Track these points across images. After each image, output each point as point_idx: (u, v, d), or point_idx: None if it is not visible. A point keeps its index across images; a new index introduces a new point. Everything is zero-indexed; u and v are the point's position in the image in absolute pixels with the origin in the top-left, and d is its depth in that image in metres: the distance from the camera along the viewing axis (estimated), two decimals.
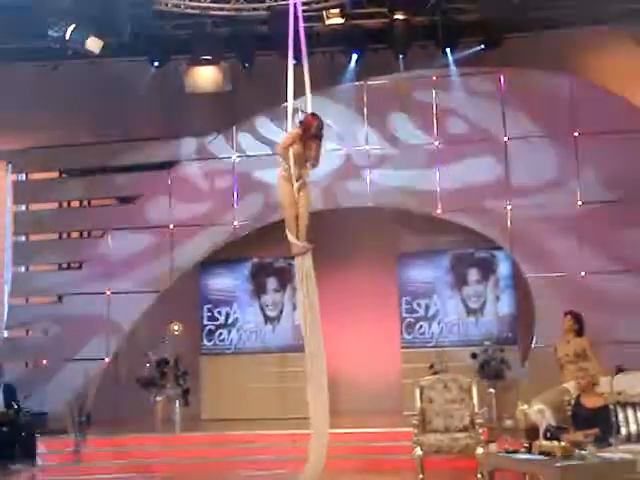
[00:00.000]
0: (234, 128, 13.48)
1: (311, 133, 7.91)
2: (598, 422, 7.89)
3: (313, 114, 8.01)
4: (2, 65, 13.30)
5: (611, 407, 8.08)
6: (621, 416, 8.13)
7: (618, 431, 7.92)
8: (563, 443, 7.09)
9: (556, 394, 8.59)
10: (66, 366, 13.03)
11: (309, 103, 8.06)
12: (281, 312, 13.52)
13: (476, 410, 9.26)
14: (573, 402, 8.23)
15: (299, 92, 8.15)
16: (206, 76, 12.94)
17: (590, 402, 8.15)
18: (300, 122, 8.07)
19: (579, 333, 9.57)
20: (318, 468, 7.73)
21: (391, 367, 13.02)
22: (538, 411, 8.39)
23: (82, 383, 12.69)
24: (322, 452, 7.75)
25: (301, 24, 8.17)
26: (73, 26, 11.60)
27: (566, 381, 8.85)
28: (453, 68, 12.99)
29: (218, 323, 13.72)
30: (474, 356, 12.05)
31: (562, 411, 8.27)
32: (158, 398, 12.25)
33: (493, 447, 7.95)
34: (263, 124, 13.29)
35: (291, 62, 8.01)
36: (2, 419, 11.29)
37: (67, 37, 11.64)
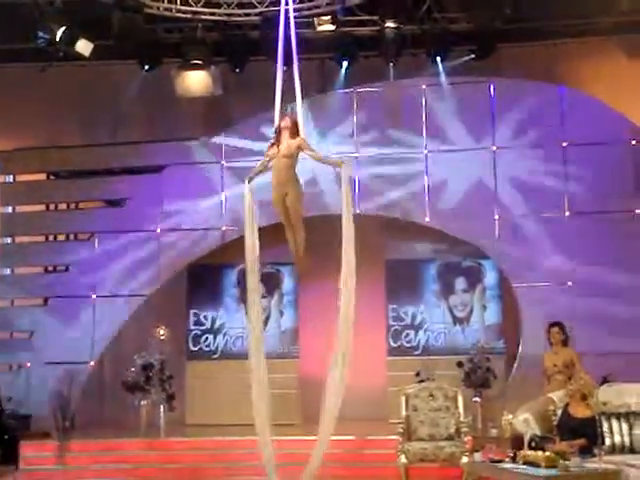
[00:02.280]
0: (224, 133, 13.45)
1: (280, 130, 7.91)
2: (585, 433, 7.91)
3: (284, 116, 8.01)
4: None
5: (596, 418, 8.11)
6: (606, 427, 8.15)
7: (603, 442, 7.94)
8: (548, 453, 7.10)
9: (541, 404, 8.62)
10: (50, 369, 12.93)
11: (299, 109, 8.06)
12: (267, 318, 13.47)
13: (461, 419, 9.26)
14: (560, 411, 8.24)
15: (289, 98, 8.15)
16: (197, 80, 12.92)
17: (578, 412, 8.16)
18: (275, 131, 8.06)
19: (565, 343, 9.60)
20: (313, 470, 7.77)
21: (377, 375, 12.99)
22: (523, 421, 8.41)
23: (66, 386, 12.61)
24: (320, 455, 7.78)
25: (292, 30, 8.17)
26: (63, 28, 11.56)
27: (553, 392, 8.85)
28: (443, 77, 13.02)
29: (204, 328, 13.67)
30: (460, 365, 12.06)
31: (547, 421, 8.29)
32: (143, 402, 12.20)
33: (478, 456, 7.95)
34: (253, 129, 13.27)
35: (280, 67, 8.02)
36: None
37: (57, 39, 11.61)
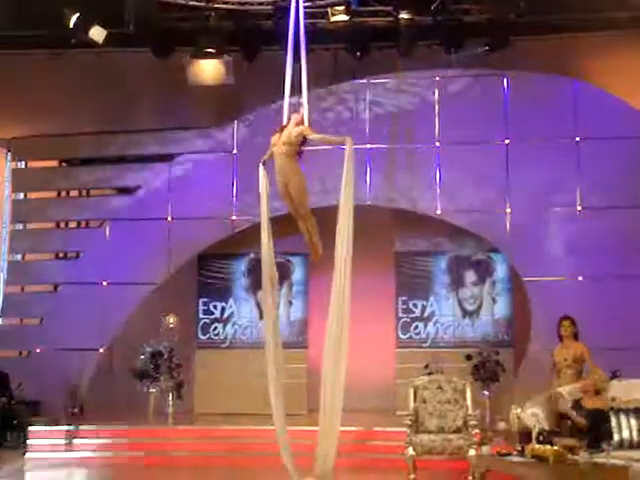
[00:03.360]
0: (236, 121, 13.44)
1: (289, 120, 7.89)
2: (594, 425, 7.89)
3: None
4: (4, 53, 13.27)
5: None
6: (614, 422, 8.13)
7: (611, 437, 7.92)
8: (556, 447, 7.09)
9: (550, 398, 8.60)
10: (60, 355, 12.99)
11: (305, 100, 8.01)
12: (276, 308, 13.44)
13: (470, 412, 9.24)
14: (571, 405, 8.22)
15: (299, 88, 8.12)
16: (209, 69, 12.89)
17: (590, 403, 8.14)
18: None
19: (576, 337, 9.57)
20: (329, 465, 7.67)
21: (386, 367, 13.01)
22: (532, 414, 8.39)
23: (76, 373, 12.68)
24: (333, 449, 7.69)
25: (302, 20, 8.12)
26: (77, 15, 11.56)
27: (562, 386, 8.83)
28: (457, 69, 12.97)
29: (213, 317, 13.70)
30: (469, 358, 12.07)
31: (555, 415, 8.28)
32: (151, 390, 12.25)
33: (486, 449, 7.94)
34: (265, 118, 13.24)
35: (290, 58, 7.98)
36: None
37: (71, 26, 11.61)
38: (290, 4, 8.26)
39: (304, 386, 12.73)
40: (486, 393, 11.80)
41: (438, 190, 12.84)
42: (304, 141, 7.81)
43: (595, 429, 7.91)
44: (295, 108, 8.04)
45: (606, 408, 8.12)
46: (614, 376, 9.49)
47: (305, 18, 8.16)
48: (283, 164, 7.77)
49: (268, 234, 8.10)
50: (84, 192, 14.29)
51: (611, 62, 13.03)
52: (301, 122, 7.83)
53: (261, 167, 8.11)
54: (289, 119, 7.90)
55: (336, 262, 7.73)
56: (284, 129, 7.81)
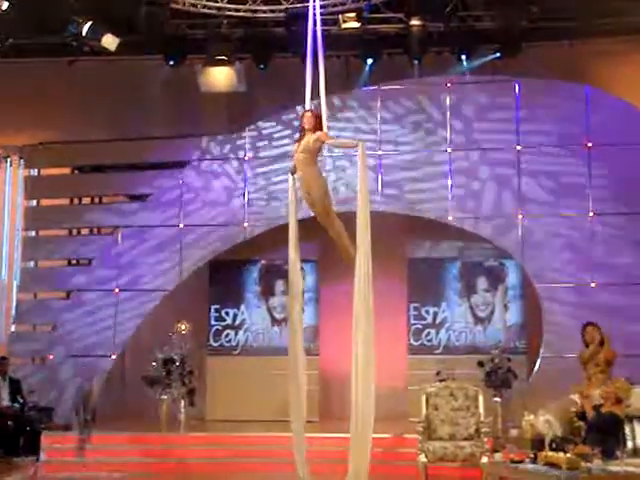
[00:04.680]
0: (247, 128, 13.47)
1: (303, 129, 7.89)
2: (610, 431, 7.85)
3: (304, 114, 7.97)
4: (17, 60, 13.36)
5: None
6: (628, 429, 8.09)
7: (625, 445, 7.89)
8: (569, 455, 7.05)
9: (563, 405, 8.57)
10: (72, 362, 13.03)
11: (324, 106, 8.04)
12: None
13: (482, 419, 9.22)
14: (594, 412, 8.19)
15: (314, 95, 8.13)
16: (221, 76, 12.97)
17: (608, 409, 8.11)
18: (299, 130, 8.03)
19: (601, 343, 9.53)
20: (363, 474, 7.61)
21: (397, 373, 12.98)
22: (545, 421, 8.35)
23: (88, 379, 12.70)
24: (366, 458, 7.60)
25: (319, 27, 8.15)
26: (90, 23, 11.63)
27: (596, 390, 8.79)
28: (468, 75, 12.97)
29: (225, 324, 13.71)
30: (481, 364, 12.01)
31: (569, 422, 8.24)
32: (163, 397, 12.25)
33: (498, 456, 7.92)
34: (276, 125, 13.28)
35: (310, 65, 7.99)
36: (7, 413, 11.30)
37: (83, 34, 11.67)
38: (303, 10, 8.30)
39: (316, 393, 12.69)
40: (498, 400, 11.73)
41: (450, 196, 12.83)
42: (322, 146, 7.84)
43: (609, 435, 7.86)
44: (303, 114, 8.04)
45: (622, 415, 8.08)
46: (630, 383, 9.44)
47: (317, 25, 8.19)
48: (304, 172, 7.81)
49: (295, 243, 8.10)
50: (96, 199, 14.33)
51: (622, 68, 13.02)
52: (318, 125, 7.82)
53: (290, 176, 8.13)
54: (303, 123, 7.88)
55: (357, 266, 7.69)
56: (302, 138, 7.83)
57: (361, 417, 7.50)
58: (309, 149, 7.76)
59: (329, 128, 8.06)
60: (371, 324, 7.61)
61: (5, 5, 11.28)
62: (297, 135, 8.10)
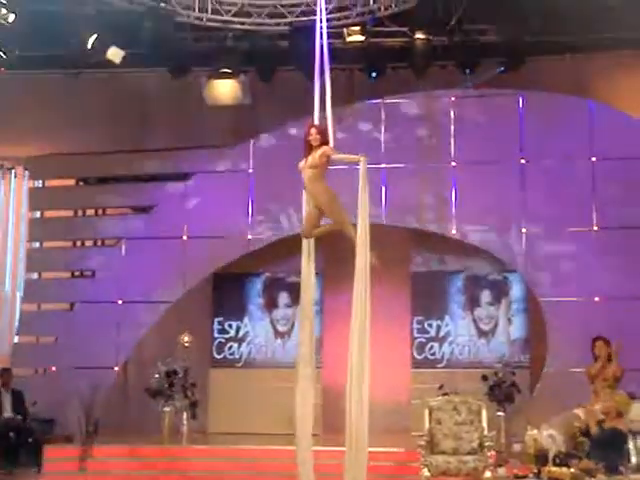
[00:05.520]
0: (251, 141, 13.48)
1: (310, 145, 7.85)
2: (613, 446, 7.82)
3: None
4: (22, 73, 13.41)
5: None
6: (632, 445, 8.06)
7: (629, 460, 7.86)
8: (573, 470, 7.03)
9: (567, 420, 8.54)
10: (75, 374, 13.00)
11: (330, 120, 8.03)
12: (292, 327, 13.49)
13: (485, 433, 9.19)
14: (597, 428, 8.16)
15: (319, 108, 8.14)
16: (226, 89, 12.98)
17: (610, 424, 8.08)
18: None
19: (610, 358, 9.50)
20: None
21: (401, 387, 12.96)
22: (548, 436, 8.32)
23: (91, 391, 12.67)
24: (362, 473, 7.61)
25: (324, 40, 8.17)
26: (95, 36, 11.67)
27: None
28: (472, 89, 12.99)
29: (228, 336, 13.71)
30: (485, 378, 11.98)
31: (573, 437, 8.21)
32: (166, 409, 12.23)
33: (501, 471, 7.92)
34: (280, 138, 13.29)
35: (317, 78, 7.99)
36: (9, 425, 11.29)
37: (89, 47, 11.72)
38: (308, 24, 8.32)
39: (319, 407, 12.64)
40: (502, 414, 11.70)
41: (454, 210, 12.81)
42: (328, 161, 7.80)
43: (612, 450, 7.84)
44: (308, 128, 8.02)
45: (625, 429, 8.06)
46: (631, 398, 9.42)
47: (324, 38, 8.21)
48: (312, 187, 7.78)
49: (308, 257, 8.06)
50: (100, 211, 14.35)
51: (626, 82, 13.04)
52: (323, 139, 7.80)
53: (304, 191, 8.10)
54: (308, 138, 7.85)
55: (356, 279, 7.69)
56: (308, 153, 7.79)
57: (355, 433, 7.50)
58: (315, 164, 7.73)
59: (335, 141, 8.05)
60: (367, 340, 7.65)
61: (12, 17, 11.34)
62: (303, 150, 8.07)
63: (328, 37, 8.43)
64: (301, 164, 7.85)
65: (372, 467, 10.27)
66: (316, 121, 8.00)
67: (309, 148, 7.79)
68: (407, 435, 11.71)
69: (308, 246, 8.05)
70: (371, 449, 10.61)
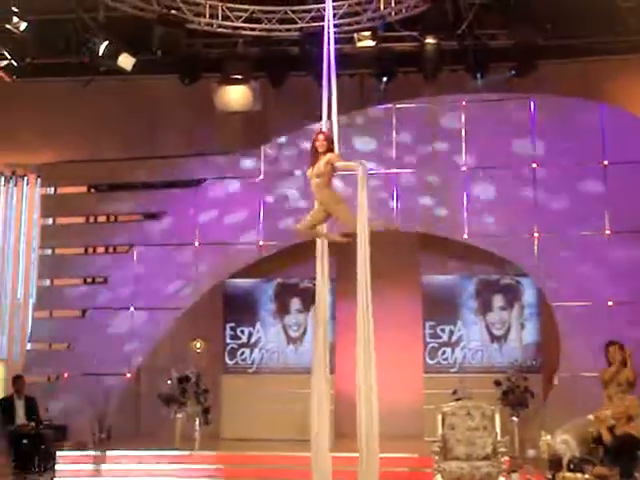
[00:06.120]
0: (262, 147, 13.49)
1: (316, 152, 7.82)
2: (627, 452, 7.77)
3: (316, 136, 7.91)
4: (34, 80, 13.47)
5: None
6: None
7: None
8: (587, 475, 6.99)
9: (581, 425, 8.49)
10: (88, 380, 13.02)
11: (335, 127, 8.01)
12: (304, 333, 13.48)
13: (499, 438, 9.15)
14: (608, 434, 8.11)
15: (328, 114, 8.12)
16: (236, 95, 13.00)
17: (621, 430, 8.03)
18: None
19: (624, 363, 9.44)
20: None
21: (413, 392, 12.91)
22: (562, 442, 8.28)
23: (103, 398, 12.70)
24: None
25: (333, 46, 8.15)
26: (106, 43, 11.71)
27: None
28: (483, 93, 12.96)
29: (241, 342, 13.69)
30: (497, 383, 11.94)
31: (587, 442, 8.16)
32: (178, 415, 12.23)
33: (515, 477, 7.88)
34: (291, 144, 13.29)
35: (326, 84, 7.97)
36: (23, 431, 11.31)
37: (100, 54, 11.76)
38: (319, 30, 8.29)
39: (332, 412, 12.65)
40: (515, 419, 11.65)
41: (465, 214, 12.78)
42: (334, 167, 7.77)
43: (626, 455, 7.79)
44: (315, 136, 7.98)
45: (638, 434, 8.00)
46: None
47: (331, 44, 8.19)
48: (320, 195, 7.77)
49: (322, 262, 8.05)
50: (112, 217, 14.38)
51: (638, 85, 12.97)
52: (329, 146, 7.78)
53: (316, 203, 8.08)
54: (315, 145, 7.83)
55: (358, 287, 7.70)
56: (315, 160, 7.78)
57: (366, 438, 7.49)
58: (321, 173, 7.72)
59: (341, 148, 8.01)
60: (372, 348, 7.70)
61: (23, 26, 11.40)
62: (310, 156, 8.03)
63: (339, 42, 8.42)
64: (309, 171, 7.85)
65: (385, 473, 10.25)
66: (324, 128, 7.99)
67: (315, 154, 7.78)
68: (420, 441, 11.67)
69: (322, 251, 8.05)
70: (384, 455, 10.59)
